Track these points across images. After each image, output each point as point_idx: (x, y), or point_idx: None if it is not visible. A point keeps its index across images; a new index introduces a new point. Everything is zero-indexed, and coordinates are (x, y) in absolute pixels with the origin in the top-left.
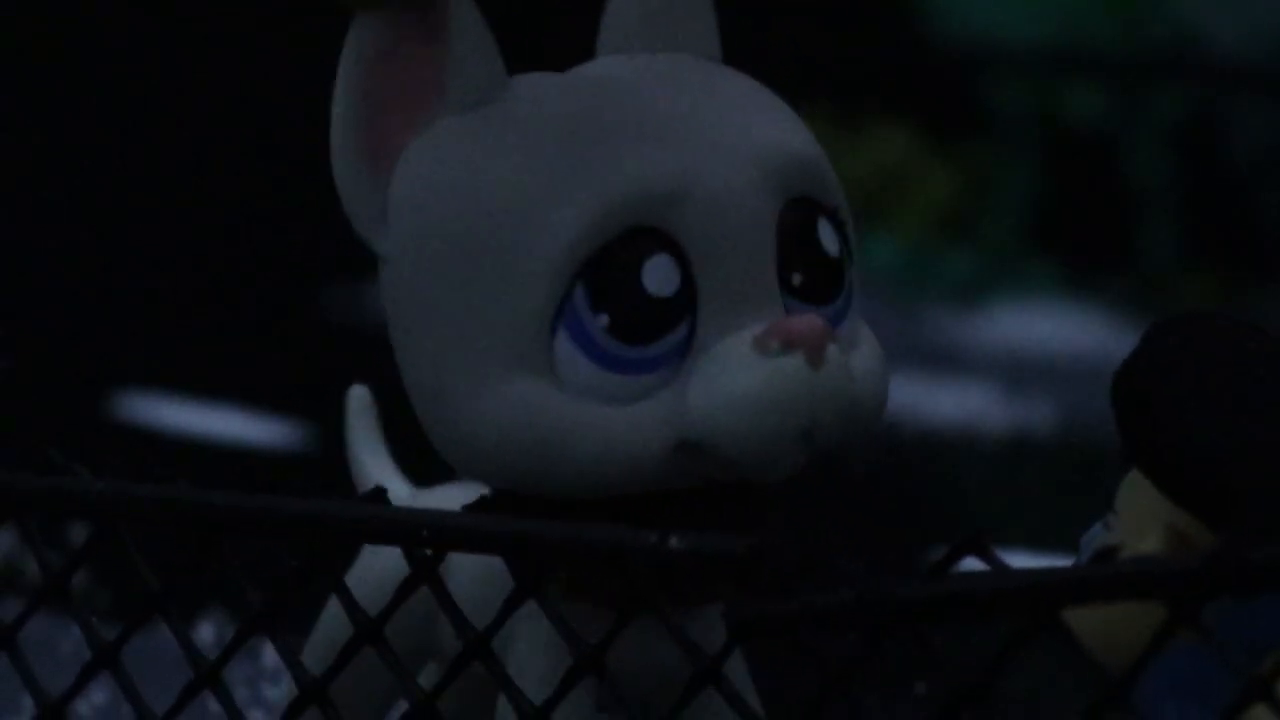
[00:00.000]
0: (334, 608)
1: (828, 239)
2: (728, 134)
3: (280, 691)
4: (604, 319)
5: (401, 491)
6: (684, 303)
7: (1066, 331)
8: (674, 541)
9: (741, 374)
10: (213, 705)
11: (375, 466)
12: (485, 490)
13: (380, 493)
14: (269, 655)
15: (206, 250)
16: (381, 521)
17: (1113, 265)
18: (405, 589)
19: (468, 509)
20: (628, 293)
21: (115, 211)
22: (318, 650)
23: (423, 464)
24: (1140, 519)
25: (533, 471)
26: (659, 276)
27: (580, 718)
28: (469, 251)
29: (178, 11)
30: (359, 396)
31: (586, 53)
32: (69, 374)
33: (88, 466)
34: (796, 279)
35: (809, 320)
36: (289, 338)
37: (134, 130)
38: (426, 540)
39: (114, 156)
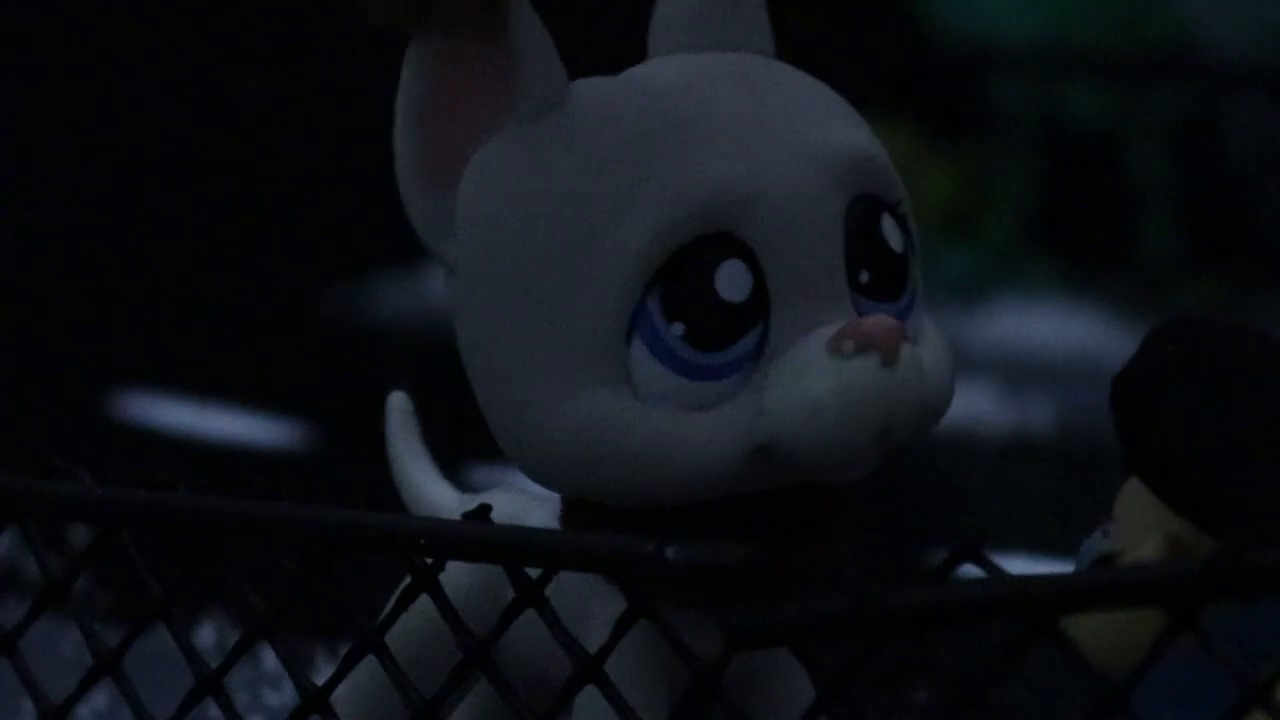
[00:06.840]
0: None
1: (892, 235)
2: (793, 134)
3: (280, 696)
4: (679, 327)
5: (449, 497)
6: (757, 307)
7: (1066, 331)
8: (670, 552)
9: (817, 378)
10: (213, 710)
11: (419, 472)
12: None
13: (378, 501)
14: (269, 660)
15: (207, 250)
16: (380, 530)
17: (1113, 265)
18: (405, 598)
19: (467, 517)
20: (702, 300)
21: (115, 210)
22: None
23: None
24: (1139, 527)
25: (611, 480)
26: (732, 282)
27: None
28: (540, 262)
29: (181, 11)
30: (399, 402)
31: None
32: (69, 374)
33: (88, 467)
34: (864, 277)
35: (882, 321)
36: (289, 338)
37: (134, 129)
38: (424, 549)
39: (114, 155)
